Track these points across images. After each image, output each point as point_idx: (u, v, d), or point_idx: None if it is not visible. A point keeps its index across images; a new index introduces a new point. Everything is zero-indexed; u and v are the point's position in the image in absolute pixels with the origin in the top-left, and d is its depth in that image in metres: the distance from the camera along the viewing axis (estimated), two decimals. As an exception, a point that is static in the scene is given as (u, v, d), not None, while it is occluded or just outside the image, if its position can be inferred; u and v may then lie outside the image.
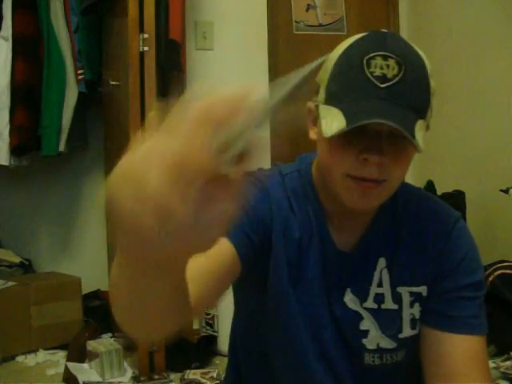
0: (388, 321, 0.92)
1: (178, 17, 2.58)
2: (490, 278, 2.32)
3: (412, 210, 0.95)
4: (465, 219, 2.97)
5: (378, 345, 0.92)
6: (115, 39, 2.61)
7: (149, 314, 0.54)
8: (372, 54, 0.80)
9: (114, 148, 2.80)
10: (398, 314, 0.92)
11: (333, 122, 0.79)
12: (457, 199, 2.64)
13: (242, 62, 3.06)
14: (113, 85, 2.53)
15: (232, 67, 3.04)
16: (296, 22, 3.24)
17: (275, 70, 3.08)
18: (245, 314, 1.03)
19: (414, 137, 0.77)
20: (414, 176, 3.37)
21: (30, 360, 2.49)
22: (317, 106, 0.86)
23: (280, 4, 3.21)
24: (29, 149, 2.78)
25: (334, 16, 3.30)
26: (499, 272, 2.33)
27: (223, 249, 0.82)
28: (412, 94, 0.81)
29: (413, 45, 0.86)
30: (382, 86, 0.79)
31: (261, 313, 0.95)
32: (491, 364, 2.20)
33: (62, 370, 2.37)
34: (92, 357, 2.36)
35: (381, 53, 0.80)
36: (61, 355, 2.55)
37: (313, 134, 0.90)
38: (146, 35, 2.31)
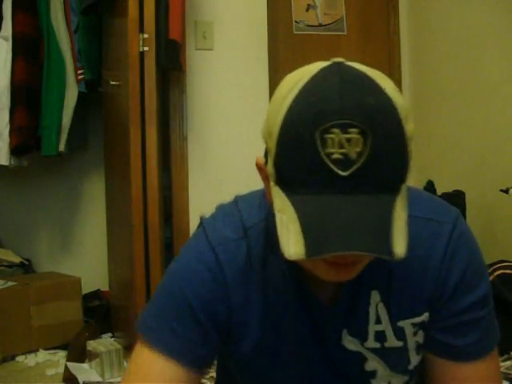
0: (395, 358, 0.84)
1: (178, 17, 2.58)
2: (490, 278, 2.32)
3: None
4: (465, 219, 2.95)
5: (389, 383, 0.86)
6: (115, 39, 2.61)
7: None
8: (327, 125, 0.61)
9: (113, 148, 2.80)
10: (404, 349, 0.84)
11: (289, 235, 0.62)
12: (457, 199, 2.64)
13: (242, 62, 3.06)
14: (113, 85, 2.53)
15: (232, 67, 3.04)
16: (296, 22, 3.24)
17: (275, 70, 3.08)
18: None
19: (392, 252, 0.61)
20: (414, 176, 3.38)
21: (30, 360, 2.49)
22: (268, 176, 0.70)
23: (280, 4, 3.21)
24: (29, 149, 2.78)
25: (334, 16, 3.29)
26: (499, 272, 2.33)
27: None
28: (385, 168, 0.63)
29: (377, 79, 0.66)
30: (344, 174, 0.61)
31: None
32: (491, 364, 2.20)
33: (62, 370, 2.37)
34: (92, 357, 2.36)
35: (338, 121, 0.61)
36: (61, 355, 2.55)
37: (270, 196, 0.71)
38: (145, 35, 2.31)
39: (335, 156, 0.61)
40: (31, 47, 2.74)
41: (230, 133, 3.01)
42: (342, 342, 0.83)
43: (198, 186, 2.95)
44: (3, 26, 2.70)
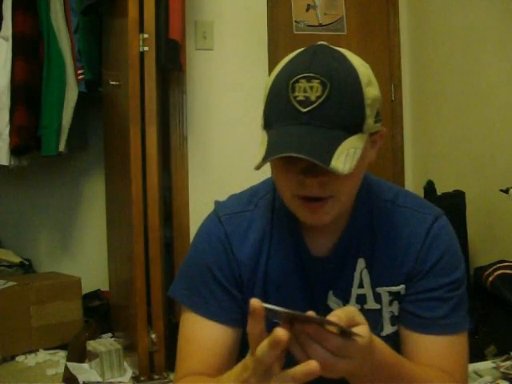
0: (371, 321, 0.92)
1: (178, 17, 2.58)
2: (490, 278, 2.32)
3: (389, 209, 0.96)
4: (465, 219, 2.96)
5: None
6: (115, 39, 2.61)
7: None
8: (297, 77, 0.80)
9: (113, 148, 2.80)
10: (380, 313, 0.95)
11: (259, 151, 0.81)
12: (457, 199, 2.64)
13: (242, 62, 3.06)
14: (113, 85, 2.53)
15: (232, 67, 3.04)
16: (296, 21, 3.24)
17: (275, 70, 3.08)
18: None
19: (329, 163, 0.76)
20: (414, 176, 3.38)
21: (30, 360, 2.49)
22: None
23: (280, 4, 3.21)
24: (29, 149, 2.78)
25: (334, 16, 3.30)
26: (499, 272, 2.33)
27: (223, 340, 0.93)
28: (339, 111, 0.79)
29: (347, 54, 0.85)
30: (304, 110, 0.79)
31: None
32: (491, 364, 2.20)
33: (62, 370, 2.37)
34: (92, 357, 2.36)
35: (305, 74, 0.80)
36: (61, 355, 2.54)
37: None
38: (145, 35, 2.31)
39: (299, 98, 0.79)
40: (31, 47, 2.74)
41: (230, 133, 3.01)
42: (328, 302, 0.95)
43: (197, 186, 2.95)
44: (3, 25, 2.70)
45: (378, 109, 0.85)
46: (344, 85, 0.80)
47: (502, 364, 2.20)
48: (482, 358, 2.20)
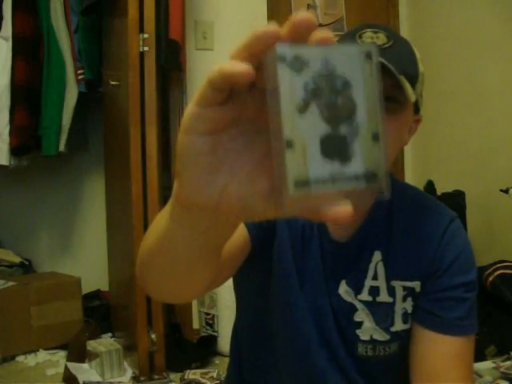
0: (382, 313, 0.94)
1: (178, 17, 2.58)
2: (490, 278, 2.32)
3: (407, 206, 0.97)
4: (465, 219, 2.97)
5: (371, 336, 0.95)
6: (115, 39, 2.61)
7: (184, 270, 0.58)
8: (363, 30, 0.87)
9: (113, 148, 2.80)
10: (392, 308, 0.94)
11: None
12: (457, 199, 2.64)
13: (242, 62, 3.05)
14: (113, 85, 2.53)
15: (232, 67, 3.03)
16: (296, 22, 3.24)
17: (275, 70, 3.08)
18: (249, 304, 1.05)
19: (400, 83, 0.81)
20: (414, 176, 3.38)
21: (30, 360, 2.49)
22: None
23: (280, 4, 3.21)
24: (29, 149, 2.78)
25: (334, 16, 3.30)
26: (499, 272, 2.33)
27: (237, 235, 0.88)
28: (402, 59, 0.84)
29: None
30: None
31: (266, 299, 0.98)
32: (491, 364, 2.21)
33: (62, 370, 2.37)
34: (92, 357, 2.36)
35: (371, 29, 0.87)
36: (61, 355, 2.55)
37: None
38: (146, 35, 2.31)
39: (367, 42, 0.85)
40: (31, 47, 2.74)
41: (229, 133, 3.01)
42: (339, 291, 0.95)
43: (198, 186, 2.95)
44: (3, 25, 2.70)
45: (422, 90, 0.90)
46: (405, 43, 0.89)
47: (502, 364, 2.20)
48: (482, 358, 2.20)
